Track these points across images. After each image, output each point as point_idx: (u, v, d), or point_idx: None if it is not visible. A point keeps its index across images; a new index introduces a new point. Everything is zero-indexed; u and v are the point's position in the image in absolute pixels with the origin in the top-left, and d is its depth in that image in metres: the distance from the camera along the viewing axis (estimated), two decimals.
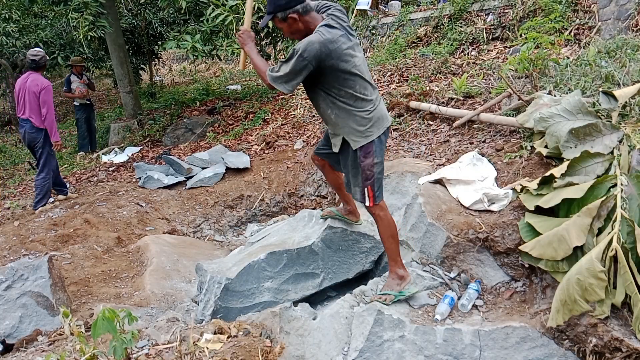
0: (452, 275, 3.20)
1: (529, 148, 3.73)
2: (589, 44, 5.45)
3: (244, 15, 6.08)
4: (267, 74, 2.64)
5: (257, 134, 6.70)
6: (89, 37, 6.54)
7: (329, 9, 2.71)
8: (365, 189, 2.79)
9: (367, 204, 2.83)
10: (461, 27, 8.31)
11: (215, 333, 2.76)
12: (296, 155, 5.67)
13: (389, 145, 4.95)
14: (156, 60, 13.22)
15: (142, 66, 12.63)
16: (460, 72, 6.36)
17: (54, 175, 5.26)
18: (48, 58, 5.43)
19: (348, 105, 2.68)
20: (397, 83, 6.59)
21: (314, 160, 3.31)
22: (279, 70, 2.58)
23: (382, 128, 2.76)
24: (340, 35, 2.56)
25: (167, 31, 10.30)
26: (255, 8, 6.40)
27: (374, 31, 10.67)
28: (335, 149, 2.92)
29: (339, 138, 2.83)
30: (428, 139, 4.81)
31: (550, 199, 2.93)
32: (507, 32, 7.62)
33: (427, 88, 5.69)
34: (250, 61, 2.86)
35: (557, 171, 3.03)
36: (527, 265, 2.97)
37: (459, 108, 4.93)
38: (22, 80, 5.16)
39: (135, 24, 10.71)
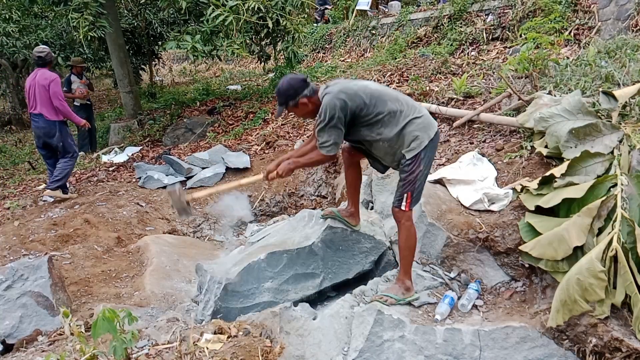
0: (452, 275, 3.20)
1: (529, 148, 3.73)
2: (588, 44, 5.45)
3: (245, 15, 6.06)
4: (319, 152, 2.77)
5: (257, 134, 6.70)
6: (89, 38, 6.54)
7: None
8: (405, 195, 2.81)
9: (403, 208, 2.84)
10: (461, 27, 8.31)
11: (215, 333, 2.76)
12: None
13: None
14: (156, 60, 13.22)
15: (142, 66, 12.64)
16: (460, 72, 6.36)
17: (51, 167, 5.33)
18: (54, 55, 5.50)
19: (390, 129, 2.76)
20: (397, 83, 6.59)
21: (343, 151, 3.24)
22: (323, 142, 2.72)
23: (431, 134, 2.80)
24: (340, 81, 2.79)
25: (167, 31, 10.30)
26: (255, 8, 6.40)
27: (374, 31, 10.68)
28: (380, 173, 3.06)
29: (396, 158, 2.87)
30: None
31: (551, 199, 2.93)
32: (507, 32, 7.62)
33: (427, 88, 5.69)
34: (300, 167, 3.10)
35: (557, 171, 3.03)
36: (527, 265, 2.97)
37: (459, 108, 4.93)
38: (31, 77, 5.22)
39: (135, 24, 10.71)
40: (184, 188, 5.51)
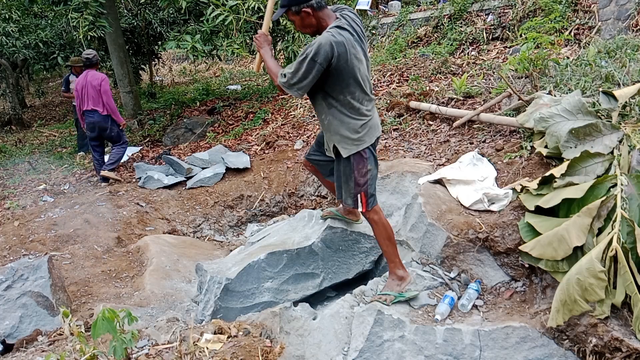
0: (452, 275, 3.20)
1: (529, 148, 3.73)
2: (589, 44, 5.45)
3: (245, 14, 6.08)
4: (278, 77, 2.64)
5: (257, 134, 6.70)
6: (89, 37, 6.54)
7: (344, 10, 2.72)
8: (358, 195, 2.79)
9: (360, 209, 2.84)
10: (461, 27, 8.31)
11: (215, 333, 2.76)
12: (296, 155, 5.67)
13: (389, 146, 4.95)
14: (156, 60, 13.22)
15: (142, 66, 12.63)
16: (460, 72, 6.36)
17: (99, 156, 6.05)
18: (99, 57, 6.26)
19: (342, 113, 2.67)
20: (397, 83, 6.59)
21: (305, 165, 3.35)
22: (290, 74, 2.56)
23: (374, 137, 2.77)
24: (350, 38, 2.54)
25: (167, 31, 10.30)
26: (255, 8, 6.41)
27: (374, 31, 10.68)
28: (329, 153, 2.92)
29: (331, 143, 2.83)
30: (428, 139, 4.81)
31: (550, 199, 2.93)
32: (507, 32, 7.62)
33: (427, 88, 5.69)
34: (264, 64, 2.86)
35: (557, 171, 3.03)
36: (527, 265, 2.97)
37: (459, 108, 4.93)
38: (82, 78, 5.84)
39: (135, 24, 10.71)
40: (184, 188, 5.51)
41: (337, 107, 2.67)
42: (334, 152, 2.83)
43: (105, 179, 5.79)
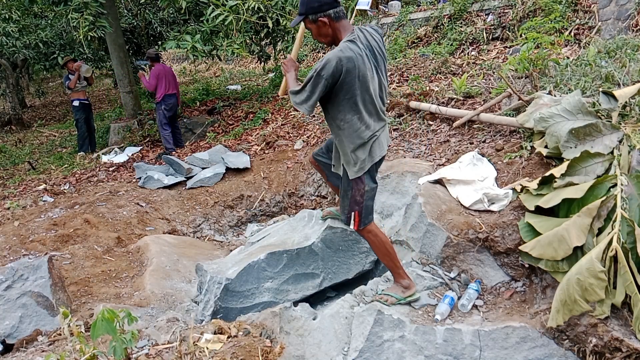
0: (452, 275, 3.20)
1: (529, 148, 3.73)
2: (589, 44, 5.45)
3: (245, 15, 6.08)
4: (291, 97, 2.64)
5: (257, 134, 6.70)
6: (89, 37, 6.54)
7: (366, 26, 2.69)
8: (352, 214, 2.76)
9: (352, 227, 2.81)
10: (461, 27, 8.31)
11: (215, 333, 2.76)
12: (296, 155, 5.67)
13: (389, 146, 4.94)
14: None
15: (140, 67, 12.63)
16: (460, 72, 6.36)
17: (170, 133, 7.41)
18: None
19: (350, 136, 2.63)
20: (397, 83, 6.59)
21: (312, 163, 3.33)
22: (299, 91, 2.56)
23: (377, 158, 2.73)
24: (360, 53, 2.48)
25: (167, 31, 10.30)
26: (255, 8, 6.41)
27: None
28: (336, 170, 2.91)
29: (340, 163, 2.82)
30: (428, 139, 4.81)
31: (550, 199, 2.92)
32: (507, 32, 7.63)
33: (427, 88, 5.69)
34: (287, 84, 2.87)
35: (557, 171, 3.03)
36: (527, 265, 2.97)
37: (459, 108, 4.93)
38: (162, 67, 7.40)
39: (135, 24, 10.71)
40: (184, 188, 5.51)
41: (345, 129, 2.62)
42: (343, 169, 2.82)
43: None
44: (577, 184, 2.91)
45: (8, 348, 3.00)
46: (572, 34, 6.49)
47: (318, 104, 2.61)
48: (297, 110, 2.66)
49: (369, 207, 2.79)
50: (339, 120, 2.62)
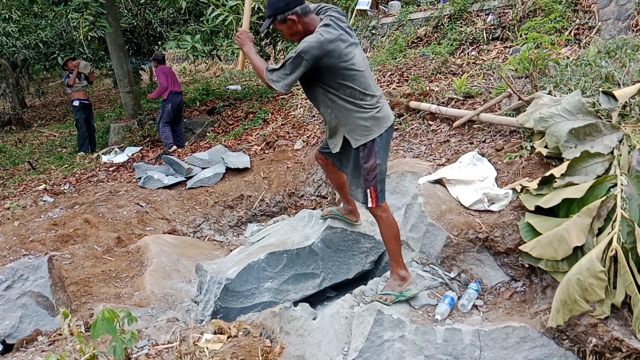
0: (452, 275, 3.20)
1: (529, 148, 3.73)
2: (589, 44, 5.45)
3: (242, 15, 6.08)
4: (264, 73, 2.64)
5: (257, 134, 6.70)
6: (89, 37, 6.54)
7: (328, 10, 2.72)
8: (368, 190, 2.76)
9: (370, 205, 2.80)
10: (461, 27, 8.31)
11: (215, 333, 2.76)
12: (296, 155, 5.67)
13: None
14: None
15: (142, 66, 12.63)
16: (460, 72, 6.36)
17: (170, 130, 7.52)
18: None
19: (348, 103, 2.67)
20: (397, 83, 6.59)
21: (317, 158, 3.30)
22: (276, 69, 2.59)
23: (384, 127, 2.73)
24: (338, 34, 2.57)
25: (167, 31, 10.30)
26: (255, 8, 6.41)
27: (374, 31, 10.68)
28: (335, 150, 2.89)
29: (339, 137, 2.81)
30: (428, 139, 4.81)
31: (550, 199, 2.92)
32: (507, 32, 7.62)
33: (427, 88, 5.68)
34: (249, 61, 2.87)
35: (557, 171, 3.03)
36: (527, 265, 2.97)
37: (459, 108, 4.93)
38: (167, 67, 7.75)
39: (135, 24, 10.72)
40: (184, 188, 5.51)
41: (341, 97, 2.66)
42: (343, 145, 2.81)
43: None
44: (577, 184, 2.91)
45: (8, 348, 3.00)
46: (572, 34, 6.48)
47: (298, 83, 2.65)
48: (273, 88, 2.67)
49: (383, 181, 2.80)
50: (334, 94, 2.66)
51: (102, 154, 7.80)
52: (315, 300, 3.50)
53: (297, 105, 7.06)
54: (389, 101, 5.63)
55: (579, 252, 2.65)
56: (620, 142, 3.12)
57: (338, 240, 3.46)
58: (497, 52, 7.13)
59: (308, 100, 5.59)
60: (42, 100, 15.46)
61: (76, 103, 8.29)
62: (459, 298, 3.00)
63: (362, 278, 3.53)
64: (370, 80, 2.72)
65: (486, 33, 7.81)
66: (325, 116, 2.82)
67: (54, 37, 9.80)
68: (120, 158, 7.26)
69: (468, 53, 7.62)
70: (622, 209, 2.66)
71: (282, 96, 7.75)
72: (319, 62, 2.53)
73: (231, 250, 4.42)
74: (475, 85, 5.31)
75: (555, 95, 3.94)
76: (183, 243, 4.45)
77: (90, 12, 6.44)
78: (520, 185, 3.28)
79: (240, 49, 2.88)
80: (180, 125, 7.82)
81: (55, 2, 6.86)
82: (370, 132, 2.69)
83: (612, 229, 2.60)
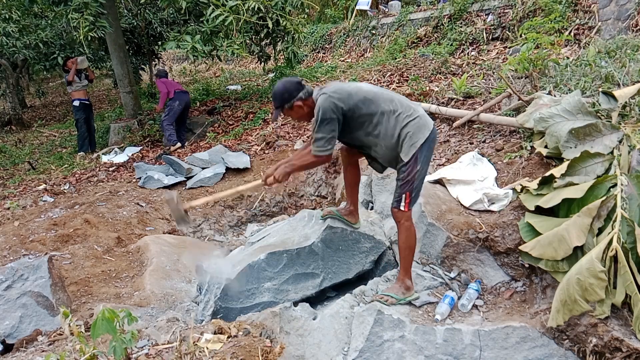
0: (452, 275, 3.20)
1: (529, 148, 3.73)
2: (589, 44, 5.46)
3: (245, 15, 6.06)
4: (312, 154, 2.80)
5: (257, 134, 6.70)
6: (89, 38, 6.54)
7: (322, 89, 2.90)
8: (404, 195, 2.81)
9: (402, 208, 2.83)
10: (461, 27, 8.32)
11: (215, 333, 2.76)
12: None
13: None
14: (156, 60, 13.22)
15: (142, 66, 12.63)
16: (460, 72, 6.37)
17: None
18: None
19: (389, 129, 2.77)
20: (397, 83, 6.60)
21: (344, 151, 3.23)
22: (318, 139, 2.74)
23: (426, 131, 2.79)
24: (337, 87, 2.79)
25: (167, 31, 10.30)
26: (255, 8, 6.41)
27: (374, 31, 10.68)
28: (379, 173, 3.06)
29: (392, 159, 2.87)
30: None
31: (550, 199, 2.93)
32: (507, 32, 7.63)
33: (427, 88, 5.69)
34: (295, 171, 3.04)
35: (557, 171, 3.03)
36: (527, 265, 2.97)
37: (459, 108, 4.93)
38: (167, 81, 7.96)
39: (135, 24, 10.71)
40: (184, 188, 5.51)
41: (380, 131, 2.78)
42: (394, 164, 2.90)
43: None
44: (577, 184, 2.91)
45: (8, 348, 3.00)
46: (572, 34, 6.49)
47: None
48: (329, 158, 2.84)
49: (419, 188, 2.86)
50: (372, 136, 2.81)
51: (102, 154, 7.80)
52: (315, 300, 3.49)
53: None
54: None
55: (579, 252, 2.65)
56: (620, 142, 3.12)
57: (338, 240, 3.46)
58: (497, 52, 7.14)
59: None
60: (42, 101, 15.46)
61: (76, 103, 8.29)
62: (459, 298, 3.00)
63: (362, 278, 3.53)
64: (391, 98, 2.83)
65: (486, 33, 7.82)
66: (374, 153, 2.92)
67: (54, 37, 9.79)
68: (120, 158, 7.25)
69: (468, 53, 7.63)
70: (622, 209, 2.66)
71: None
72: (342, 111, 2.72)
73: (231, 250, 4.42)
74: (475, 86, 5.32)
75: (555, 96, 3.94)
76: (183, 243, 4.45)
77: (90, 12, 6.44)
78: (520, 185, 3.28)
79: (286, 175, 2.96)
80: (183, 127, 7.87)
81: (55, 2, 6.86)
82: (415, 142, 2.77)
83: (612, 229, 2.60)
